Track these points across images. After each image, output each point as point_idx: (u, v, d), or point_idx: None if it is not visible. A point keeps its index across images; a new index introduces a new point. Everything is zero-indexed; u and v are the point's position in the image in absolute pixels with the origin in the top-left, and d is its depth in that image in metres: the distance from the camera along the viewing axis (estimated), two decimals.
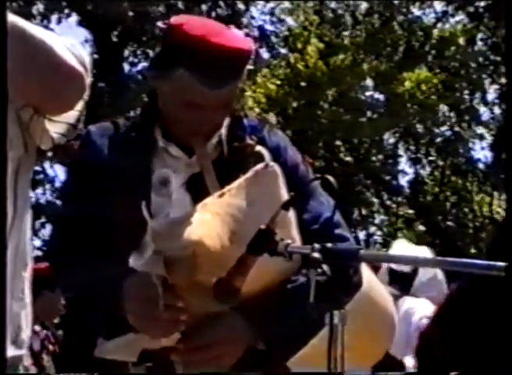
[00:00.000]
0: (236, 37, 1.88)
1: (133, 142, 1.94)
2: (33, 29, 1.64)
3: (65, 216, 1.97)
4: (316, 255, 1.46)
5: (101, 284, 1.80)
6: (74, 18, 12.60)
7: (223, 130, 1.95)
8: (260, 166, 1.85)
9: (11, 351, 1.72)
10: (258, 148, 1.95)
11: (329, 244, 1.49)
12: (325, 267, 1.43)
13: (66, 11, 12.25)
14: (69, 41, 1.72)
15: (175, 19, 1.88)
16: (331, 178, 1.64)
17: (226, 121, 1.96)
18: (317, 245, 1.50)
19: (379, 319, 2.66)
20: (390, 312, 2.71)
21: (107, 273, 1.81)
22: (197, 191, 1.87)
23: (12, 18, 1.63)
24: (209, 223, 1.74)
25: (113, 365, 1.87)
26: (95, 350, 1.88)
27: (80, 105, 1.77)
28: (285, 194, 1.83)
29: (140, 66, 13.54)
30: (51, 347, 4.30)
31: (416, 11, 15.05)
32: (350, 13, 15.04)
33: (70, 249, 1.89)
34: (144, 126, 1.96)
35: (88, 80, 1.73)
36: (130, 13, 11.83)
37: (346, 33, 14.97)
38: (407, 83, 13.99)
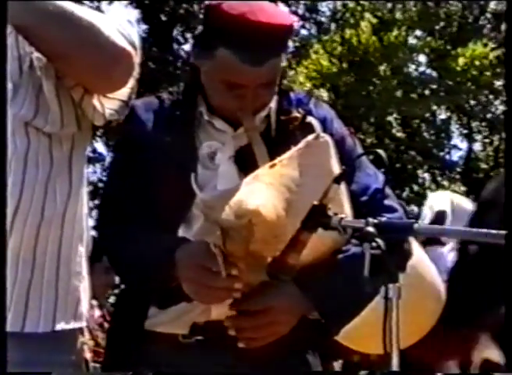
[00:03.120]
0: (275, 13, 1.89)
1: (178, 116, 1.95)
2: (81, 11, 1.66)
3: (112, 190, 1.99)
4: (370, 229, 1.47)
5: (152, 255, 1.83)
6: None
7: (271, 104, 1.96)
8: (311, 136, 1.85)
9: (71, 324, 1.75)
10: (309, 118, 1.96)
11: (383, 218, 1.50)
12: (379, 241, 1.43)
13: None
14: (117, 21, 1.74)
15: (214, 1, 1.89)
16: (382, 152, 1.64)
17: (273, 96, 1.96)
18: (371, 219, 1.50)
19: (427, 293, 2.65)
20: (437, 286, 2.69)
21: (157, 243, 1.84)
22: (245, 163, 1.89)
23: (60, 2, 1.65)
24: (264, 192, 1.75)
25: (164, 337, 1.89)
26: (146, 322, 1.90)
27: (131, 83, 1.79)
28: (336, 165, 1.83)
29: (187, 46, 13.56)
30: (106, 324, 4.35)
31: None
32: None
33: (119, 222, 1.91)
34: (188, 100, 1.97)
35: (137, 58, 1.74)
36: None
37: (398, 7, 14.79)
38: (461, 60, 13.76)
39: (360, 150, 1.99)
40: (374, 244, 1.43)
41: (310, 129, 1.92)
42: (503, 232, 1.38)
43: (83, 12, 1.66)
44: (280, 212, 1.72)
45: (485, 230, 1.47)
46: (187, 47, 13.34)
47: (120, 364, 1.92)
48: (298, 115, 1.95)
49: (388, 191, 1.97)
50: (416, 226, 1.48)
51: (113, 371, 1.95)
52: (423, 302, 2.62)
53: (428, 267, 2.66)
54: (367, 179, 1.95)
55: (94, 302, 4.55)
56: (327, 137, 1.86)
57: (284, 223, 1.71)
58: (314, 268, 1.78)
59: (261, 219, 1.69)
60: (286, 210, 1.74)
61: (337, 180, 1.64)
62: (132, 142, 1.95)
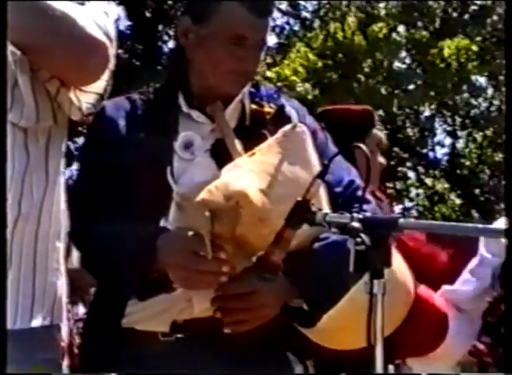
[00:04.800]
0: None
1: (153, 111, 1.96)
2: (55, 2, 1.64)
3: (85, 187, 1.96)
4: (355, 224, 1.47)
5: (132, 246, 1.82)
6: None
7: (241, 96, 1.98)
8: (288, 126, 1.90)
9: (47, 322, 1.73)
10: (287, 108, 2.01)
11: (368, 214, 1.50)
12: (364, 236, 1.44)
13: None
14: (93, 12, 1.73)
15: None
16: (363, 146, 1.67)
17: (245, 88, 1.99)
18: (356, 215, 1.51)
19: (397, 295, 2.62)
20: (408, 287, 2.66)
21: (136, 235, 1.83)
22: (223, 156, 1.90)
23: None
24: (247, 178, 1.77)
25: (142, 335, 1.87)
26: (123, 320, 1.88)
27: (106, 75, 1.77)
28: (314, 154, 1.89)
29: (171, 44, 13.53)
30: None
31: None
32: None
33: (93, 218, 1.89)
34: (168, 92, 1.98)
35: (112, 50, 1.73)
36: None
37: (382, 3, 14.81)
38: (446, 51, 13.79)
39: (331, 144, 2.03)
40: (358, 239, 1.43)
41: (283, 122, 1.95)
42: (493, 226, 1.37)
43: (58, 2, 1.65)
44: (264, 197, 1.75)
45: (474, 225, 1.47)
46: (171, 44, 13.34)
47: (95, 364, 1.89)
48: (270, 109, 1.98)
49: (361, 183, 2.00)
50: (401, 221, 1.48)
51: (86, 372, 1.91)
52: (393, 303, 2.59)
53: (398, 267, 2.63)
54: (341, 171, 1.98)
55: (77, 300, 4.50)
56: (304, 127, 1.92)
57: (268, 207, 1.73)
58: (296, 255, 1.78)
59: (247, 200, 1.72)
60: (268, 196, 1.76)
61: (320, 175, 1.66)
62: (104, 139, 1.95)
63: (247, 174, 1.78)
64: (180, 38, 1.98)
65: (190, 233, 1.79)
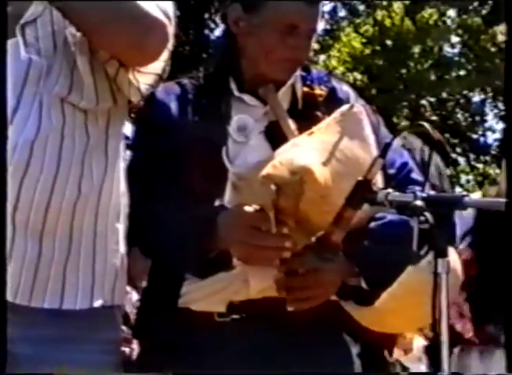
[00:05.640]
0: None
1: (207, 93, 1.97)
2: None
3: (140, 172, 1.95)
4: (419, 202, 1.45)
5: (191, 225, 1.83)
6: None
7: (293, 80, 1.99)
8: (346, 106, 1.92)
9: (108, 302, 1.73)
10: (339, 90, 2.03)
11: (432, 192, 1.48)
12: (427, 215, 1.42)
13: None
14: None
15: None
16: (426, 124, 1.69)
17: (297, 72, 2.00)
18: (419, 193, 1.49)
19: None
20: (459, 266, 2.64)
21: (194, 214, 1.84)
22: (277, 138, 1.90)
23: None
24: (309, 154, 1.77)
25: (198, 315, 1.86)
26: (179, 300, 1.88)
27: (165, 56, 1.76)
28: (371, 134, 1.90)
29: (217, 31, 13.53)
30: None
31: None
32: None
33: (149, 201, 1.89)
34: (219, 77, 1.99)
35: (171, 29, 1.72)
36: None
37: None
38: (499, 37, 13.59)
39: (383, 127, 2.04)
40: (422, 218, 1.41)
41: (335, 104, 1.96)
42: None
43: None
44: (326, 174, 1.75)
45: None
46: (218, 32, 13.32)
47: (151, 340, 1.91)
48: (322, 91, 1.99)
49: (413, 165, 2.02)
50: (466, 199, 1.46)
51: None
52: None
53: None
54: (393, 153, 1.96)
55: (129, 288, 4.52)
56: (361, 108, 1.93)
57: (329, 185, 1.73)
58: (354, 234, 1.78)
59: (312, 176, 1.71)
60: (329, 173, 1.76)
61: (381, 155, 1.65)
62: (156, 123, 1.96)
63: (309, 151, 1.78)
64: (231, 26, 1.98)
65: (252, 208, 1.79)
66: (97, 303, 1.70)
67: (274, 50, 1.92)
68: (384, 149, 1.65)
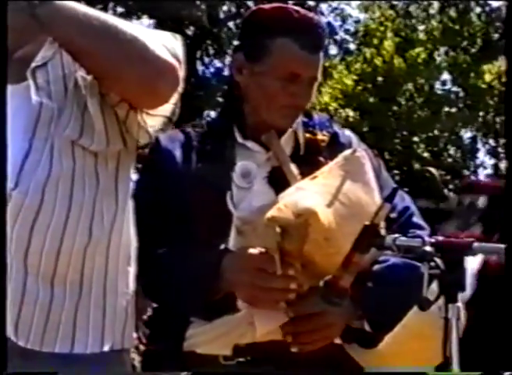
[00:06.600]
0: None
1: (211, 141, 2.00)
2: (124, 25, 1.65)
3: (145, 218, 1.93)
4: (428, 248, 1.45)
5: (196, 269, 1.85)
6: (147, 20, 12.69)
7: (294, 126, 2.02)
8: (348, 151, 1.94)
9: (119, 345, 1.73)
10: (341, 135, 2.05)
11: (441, 237, 1.49)
12: (437, 261, 1.43)
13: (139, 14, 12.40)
14: (160, 34, 1.74)
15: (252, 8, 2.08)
16: (433, 170, 1.66)
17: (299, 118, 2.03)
18: (427, 238, 1.50)
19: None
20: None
21: (199, 258, 1.85)
22: (280, 183, 1.92)
23: (104, 15, 1.65)
24: (312, 198, 1.79)
25: (203, 359, 1.87)
26: (184, 343, 1.88)
27: (174, 98, 1.77)
28: (374, 179, 1.92)
29: (212, 68, 13.60)
30: (142, 347, 4.29)
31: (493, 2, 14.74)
32: (422, 8, 14.83)
33: (155, 246, 1.90)
34: (223, 124, 2.02)
35: (182, 72, 1.72)
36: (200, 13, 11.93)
37: (421, 27, 14.77)
38: (487, 76, 13.70)
39: (384, 170, 2.07)
40: (432, 263, 1.42)
41: (337, 149, 1.98)
42: None
43: (127, 26, 1.66)
44: (330, 216, 1.77)
45: None
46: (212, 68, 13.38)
47: None
48: (324, 137, 2.02)
49: (415, 209, 2.03)
50: (475, 244, 1.47)
51: None
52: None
53: None
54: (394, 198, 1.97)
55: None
56: (363, 152, 1.95)
57: (333, 227, 1.75)
58: (357, 277, 1.76)
59: (316, 218, 1.73)
60: (333, 216, 1.78)
61: (388, 199, 1.64)
62: (162, 170, 1.98)
63: (313, 195, 1.80)
64: (235, 74, 2.02)
65: (257, 251, 1.80)
66: (107, 347, 1.69)
67: (276, 97, 1.96)
68: (391, 194, 1.65)
